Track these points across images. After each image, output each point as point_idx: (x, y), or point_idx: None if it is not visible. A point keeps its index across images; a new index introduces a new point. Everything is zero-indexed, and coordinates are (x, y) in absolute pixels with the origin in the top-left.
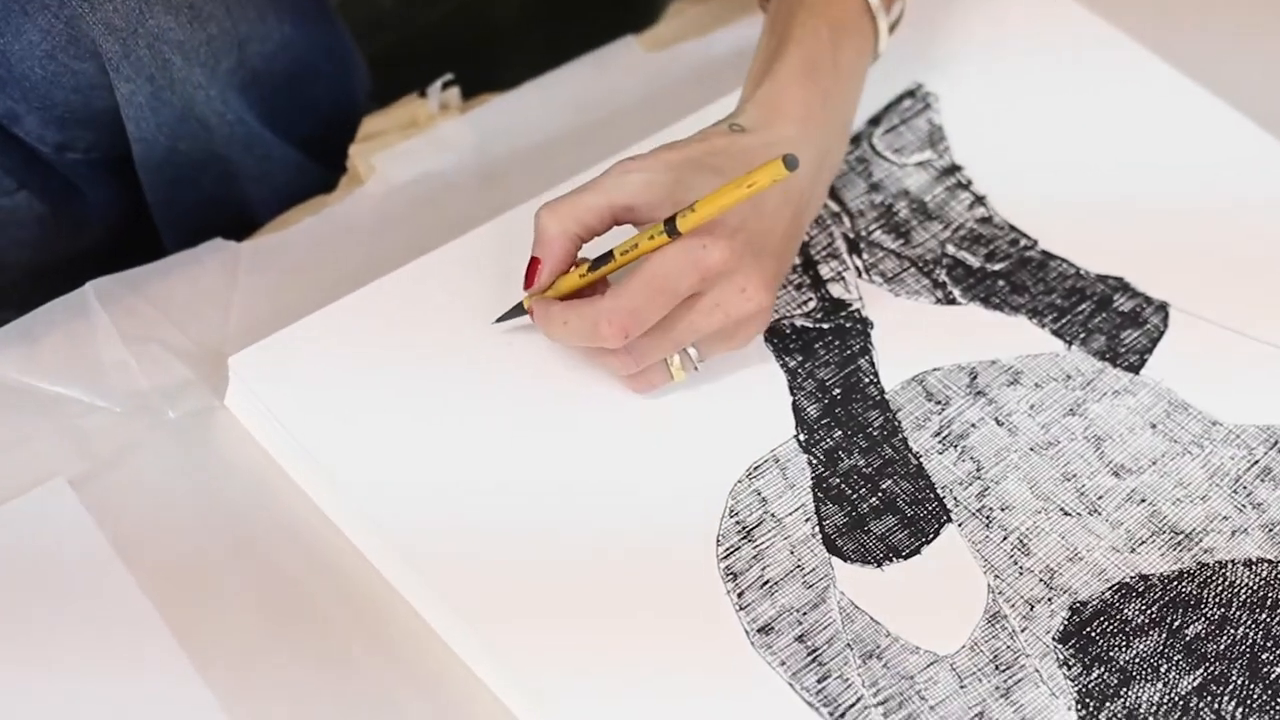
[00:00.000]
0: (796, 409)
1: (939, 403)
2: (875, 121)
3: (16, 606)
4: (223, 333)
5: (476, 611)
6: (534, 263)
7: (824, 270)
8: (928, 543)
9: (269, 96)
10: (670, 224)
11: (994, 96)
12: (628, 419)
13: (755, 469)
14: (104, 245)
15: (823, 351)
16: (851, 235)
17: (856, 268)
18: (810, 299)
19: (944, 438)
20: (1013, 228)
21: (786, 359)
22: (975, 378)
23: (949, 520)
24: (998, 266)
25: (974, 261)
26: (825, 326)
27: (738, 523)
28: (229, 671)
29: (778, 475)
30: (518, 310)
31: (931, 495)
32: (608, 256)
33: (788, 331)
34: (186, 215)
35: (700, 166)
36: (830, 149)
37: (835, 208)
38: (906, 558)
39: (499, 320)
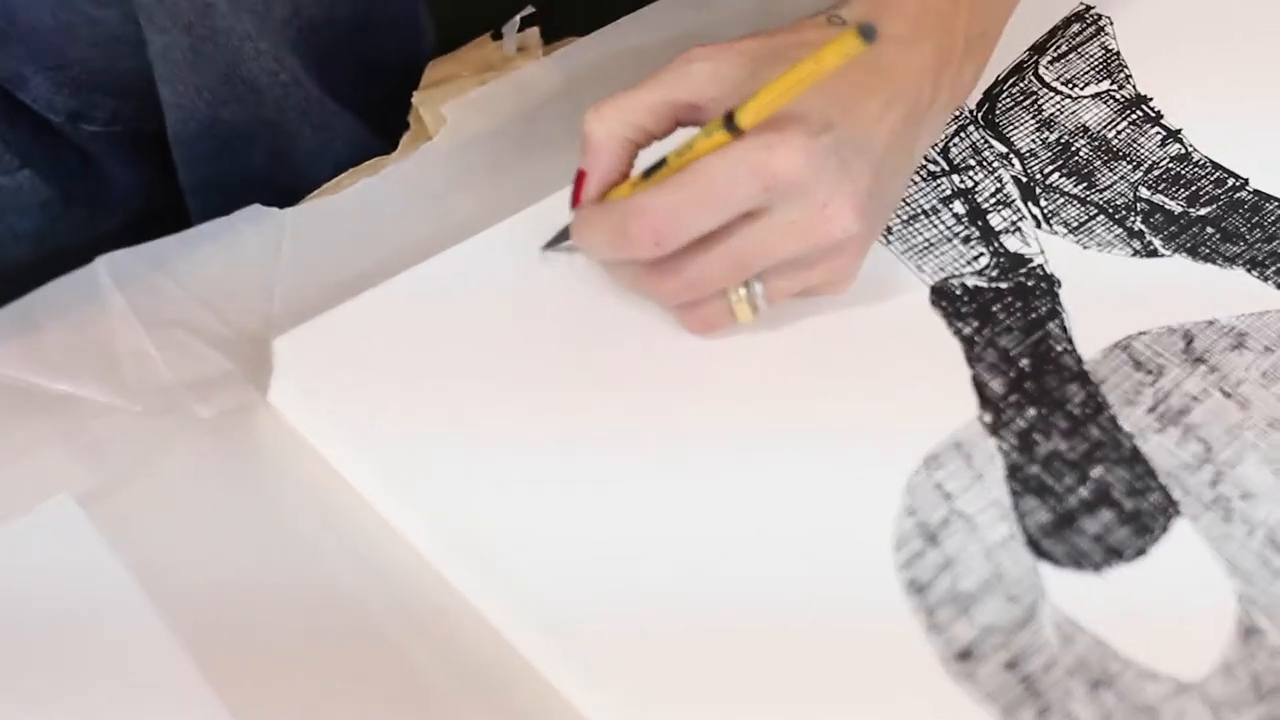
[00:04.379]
0: (977, 384)
1: (1150, 373)
2: (1039, 49)
3: (16, 651)
4: (265, 315)
5: (605, 663)
6: (580, 175)
7: (995, 220)
8: (1155, 541)
9: (329, 54)
10: (729, 119)
11: (1177, 18)
12: (771, 404)
13: (933, 458)
14: (123, 238)
15: (1003, 315)
16: (1024, 179)
17: (1034, 216)
18: (982, 254)
19: (1161, 414)
20: (1216, 165)
21: (959, 325)
22: (1191, 342)
23: (1178, 513)
24: (1203, 211)
25: (1174, 206)
26: (1003, 286)
27: (919, 524)
28: None
29: (962, 465)
30: (566, 234)
31: (1154, 484)
32: (661, 163)
33: (958, 292)
34: (228, 199)
35: (784, 60)
36: (954, 55)
37: (1002, 149)
38: (1131, 560)
39: (547, 247)
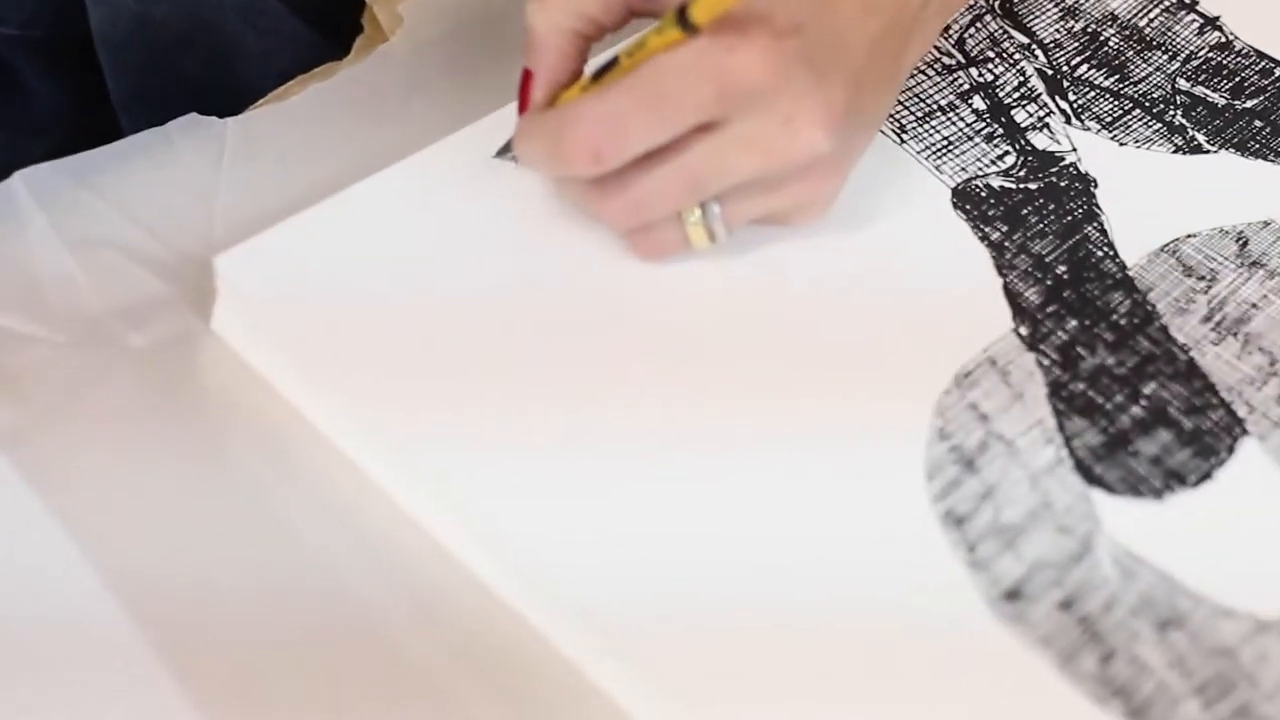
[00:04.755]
0: (1010, 294)
1: (1203, 278)
2: None
3: None
4: (205, 235)
5: (599, 610)
6: (525, 76)
7: (1019, 116)
8: (1221, 464)
9: None
10: (683, 13)
11: None
12: (781, 316)
13: (965, 376)
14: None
15: (1034, 219)
16: (1049, 72)
17: (1062, 112)
18: (1007, 152)
19: (1218, 324)
20: (1261, 54)
21: (986, 230)
22: (1245, 245)
23: (1244, 432)
24: (1250, 104)
25: (1217, 98)
26: (1032, 187)
27: (952, 449)
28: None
29: (998, 382)
30: None
31: (1215, 400)
32: (613, 63)
33: (982, 194)
34: (163, 114)
35: None
36: None
37: (1023, 39)
38: (1195, 485)
39: (500, 154)
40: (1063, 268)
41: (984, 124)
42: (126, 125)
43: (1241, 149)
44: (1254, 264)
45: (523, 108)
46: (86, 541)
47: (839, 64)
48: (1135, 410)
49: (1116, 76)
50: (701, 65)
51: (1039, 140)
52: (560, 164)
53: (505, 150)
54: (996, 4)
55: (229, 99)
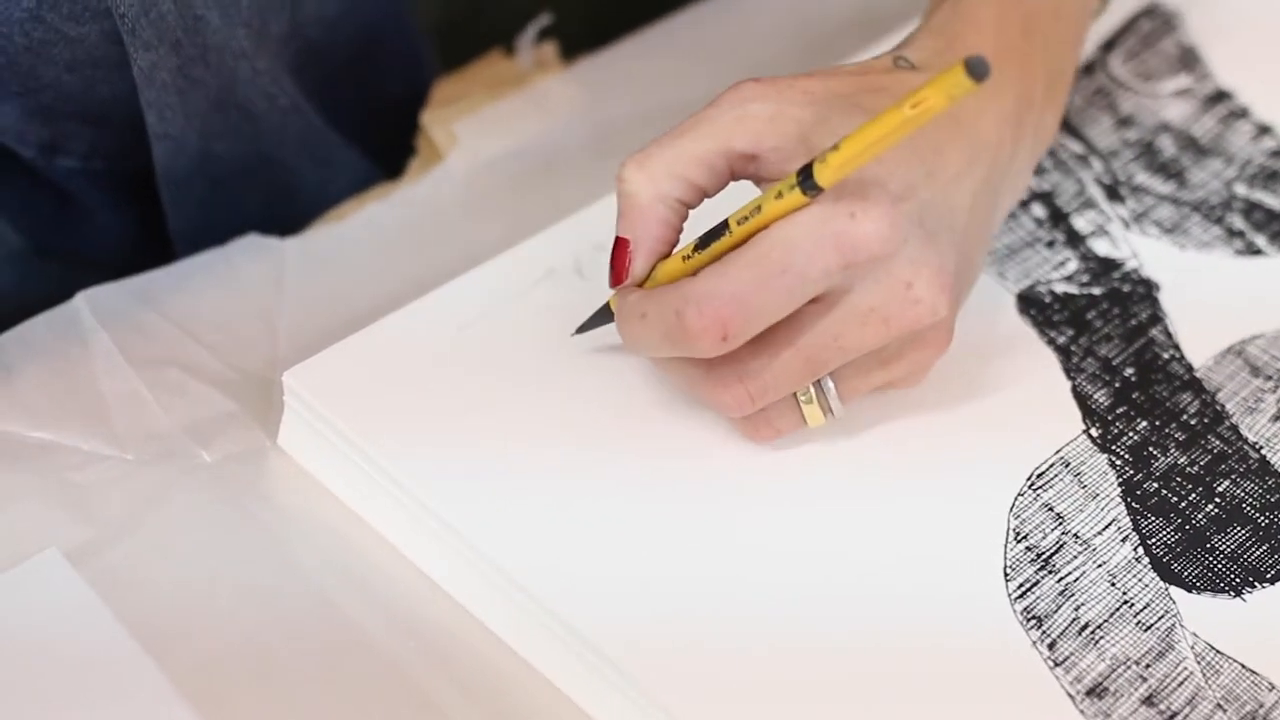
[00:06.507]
0: (1080, 397)
1: (1270, 379)
2: (1109, 46)
3: None
4: (268, 352)
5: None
6: (620, 245)
7: (1079, 224)
8: None
9: (329, 79)
10: (806, 175)
11: (1252, 9)
12: (855, 425)
13: (1039, 477)
14: None
15: (1099, 323)
16: (1107, 180)
17: (1121, 218)
18: (1068, 258)
19: None
20: None
21: (1052, 334)
22: None
23: None
24: None
25: (1275, 202)
26: (1096, 292)
27: (1029, 549)
28: None
29: (1071, 483)
30: (604, 315)
31: None
32: (721, 229)
33: (1047, 300)
34: (218, 243)
35: (851, 106)
36: (1034, 99)
37: (1079, 149)
38: (1274, 581)
39: (580, 331)
40: (1130, 370)
41: (1045, 231)
42: (182, 255)
43: None
44: None
45: (616, 279)
46: (159, 654)
47: (948, 225)
48: (1210, 508)
49: (1174, 183)
50: (826, 234)
51: (1100, 246)
52: (684, 345)
53: (590, 325)
54: None
55: (285, 228)
